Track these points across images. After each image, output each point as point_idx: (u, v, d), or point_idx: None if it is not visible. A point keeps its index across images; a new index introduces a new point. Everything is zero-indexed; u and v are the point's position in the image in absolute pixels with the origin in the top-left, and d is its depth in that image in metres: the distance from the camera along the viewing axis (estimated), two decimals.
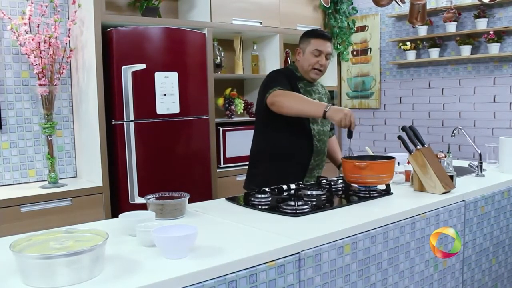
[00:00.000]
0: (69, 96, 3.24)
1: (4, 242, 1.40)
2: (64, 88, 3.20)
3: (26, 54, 2.80)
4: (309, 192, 2.03)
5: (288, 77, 2.50)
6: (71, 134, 3.26)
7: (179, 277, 1.21)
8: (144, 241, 1.44)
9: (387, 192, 2.14)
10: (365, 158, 2.23)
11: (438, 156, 2.32)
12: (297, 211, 1.81)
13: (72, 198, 2.84)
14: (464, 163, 2.85)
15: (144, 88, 3.09)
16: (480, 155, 2.67)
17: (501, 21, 3.70)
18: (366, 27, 4.59)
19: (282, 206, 1.87)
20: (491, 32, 3.66)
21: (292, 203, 1.84)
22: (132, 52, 3.05)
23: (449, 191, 2.14)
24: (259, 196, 2.01)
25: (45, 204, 2.74)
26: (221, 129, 3.67)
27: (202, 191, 3.31)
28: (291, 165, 2.49)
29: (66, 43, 3.06)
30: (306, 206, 1.85)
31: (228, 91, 3.90)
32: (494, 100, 3.81)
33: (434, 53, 4.03)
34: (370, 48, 4.58)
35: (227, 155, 3.71)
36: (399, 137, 2.25)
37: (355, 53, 4.71)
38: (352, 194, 2.14)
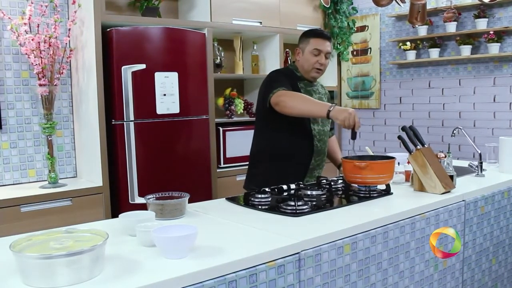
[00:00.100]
0: (69, 96, 3.24)
1: (4, 242, 1.40)
2: (64, 88, 3.20)
3: (26, 54, 2.80)
4: (309, 192, 2.03)
5: (289, 77, 2.50)
6: (71, 134, 3.26)
7: (179, 277, 1.21)
8: (144, 241, 1.44)
9: (387, 192, 2.14)
10: (365, 158, 2.23)
11: (438, 156, 2.32)
12: (297, 211, 1.81)
13: (72, 198, 2.84)
14: (464, 163, 2.85)
15: (144, 88, 3.09)
16: (480, 155, 2.67)
17: (501, 21, 3.70)
18: (366, 27, 4.59)
19: (282, 206, 1.87)
20: (491, 32, 3.66)
21: (292, 203, 1.84)
22: (132, 52, 3.05)
23: (449, 191, 2.14)
24: (259, 196, 2.01)
25: (45, 204, 2.74)
26: (221, 129, 3.67)
27: (202, 191, 3.31)
28: (291, 165, 2.49)
29: (66, 43, 3.06)
30: (306, 206, 1.85)
31: (228, 91, 3.90)
32: (494, 100, 3.81)
33: (434, 53, 4.03)
34: (370, 48, 4.58)
35: (227, 155, 3.71)
36: (399, 137, 2.25)
37: (355, 53, 4.71)
38: (352, 194, 2.14)
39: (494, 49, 3.68)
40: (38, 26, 2.86)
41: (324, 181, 2.23)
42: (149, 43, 3.12)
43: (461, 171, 2.61)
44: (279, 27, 4.02)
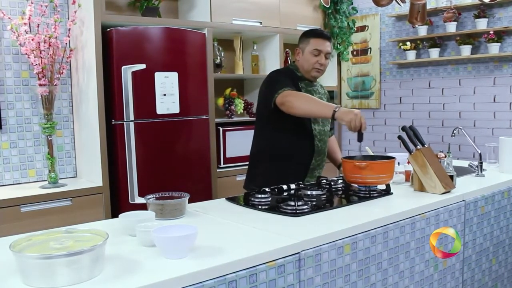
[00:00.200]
0: (69, 96, 3.24)
1: (4, 242, 1.40)
2: (64, 88, 3.20)
3: (26, 54, 2.80)
4: (309, 192, 2.03)
5: (290, 77, 2.50)
6: (71, 134, 3.26)
7: (179, 277, 1.21)
8: (144, 241, 1.44)
9: (387, 192, 2.14)
10: (365, 158, 2.23)
11: (438, 156, 2.32)
12: (297, 211, 1.81)
13: (72, 198, 2.84)
14: (464, 163, 2.85)
15: (144, 88, 3.09)
16: (480, 155, 2.67)
17: (501, 21, 3.70)
18: (366, 27, 4.59)
19: (282, 206, 1.87)
20: (491, 32, 3.66)
21: (292, 203, 1.84)
22: (132, 52, 3.05)
23: (449, 191, 2.14)
24: (259, 196, 2.01)
25: (45, 204, 2.74)
26: (221, 129, 3.67)
27: (202, 191, 3.31)
28: (291, 165, 2.49)
29: (66, 43, 3.06)
30: (306, 206, 1.85)
31: (228, 91, 3.90)
32: (494, 100, 3.81)
33: (434, 53, 4.03)
34: (370, 48, 4.58)
35: (227, 155, 3.71)
36: (399, 137, 2.25)
37: (355, 53, 4.71)
38: (352, 194, 2.14)
39: (494, 49, 3.68)
40: (38, 26, 2.86)
41: (324, 181, 2.23)
42: (149, 43, 3.12)
43: (461, 171, 2.61)
44: (279, 27, 4.02)
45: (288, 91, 2.33)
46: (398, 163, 2.41)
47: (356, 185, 2.17)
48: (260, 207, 1.93)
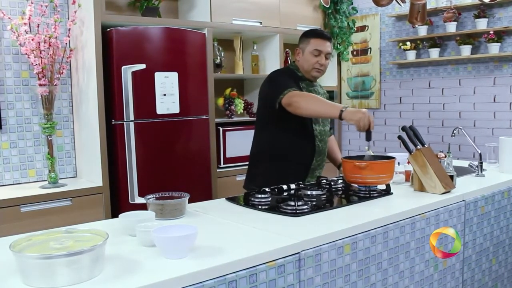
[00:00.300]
0: (69, 96, 3.24)
1: (4, 242, 1.40)
2: (64, 88, 3.20)
3: (26, 54, 2.80)
4: (309, 192, 2.03)
5: (292, 77, 2.50)
6: (71, 134, 3.26)
7: (179, 277, 1.21)
8: (144, 241, 1.44)
9: (387, 192, 2.14)
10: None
11: (438, 156, 2.32)
12: (297, 211, 1.81)
13: (72, 198, 2.84)
14: (464, 163, 2.85)
15: (144, 88, 3.09)
16: (480, 155, 2.67)
17: (501, 21, 3.70)
18: (366, 27, 4.59)
19: (282, 206, 1.87)
20: (491, 32, 3.66)
21: (292, 203, 1.84)
22: (132, 52, 3.05)
23: (449, 191, 2.14)
24: (259, 196, 2.01)
25: (45, 204, 2.74)
26: (221, 129, 3.67)
27: (202, 191, 3.31)
28: (291, 165, 2.49)
29: (66, 43, 3.06)
30: (306, 206, 1.85)
31: (228, 91, 3.90)
32: (494, 100, 3.81)
33: (434, 53, 4.03)
34: (370, 48, 4.58)
35: (227, 155, 3.71)
36: (399, 137, 2.25)
37: (355, 53, 4.71)
38: (352, 194, 2.14)
39: (494, 49, 3.68)
40: (38, 26, 2.86)
41: (324, 181, 2.23)
42: (149, 43, 3.12)
43: (461, 171, 2.61)
44: (279, 27, 4.02)
45: (294, 92, 2.32)
46: (398, 163, 2.41)
47: (356, 185, 2.17)
48: (260, 207, 1.93)
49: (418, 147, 2.17)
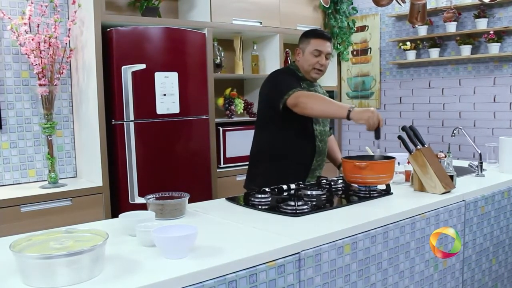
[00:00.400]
0: (69, 96, 3.24)
1: (4, 242, 1.40)
2: (64, 88, 3.20)
3: (26, 54, 2.80)
4: (309, 192, 2.03)
5: (294, 77, 2.49)
6: (71, 134, 3.26)
7: (179, 277, 1.21)
8: (144, 241, 1.44)
9: (387, 192, 2.14)
10: (365, 158, 2.23)
11: (438, 156, 2.32)
12: (297, 211, 1.81)
13: (72, 198, 2.84)
14: (464, 163, 2.85)
15: (144, 88, 3.09)
16: (480, 155, 2.67)
17: (501, 21, 3.70)
18: (366, 27, 4.59)
19: (282, 206, 1.87)
20: (491, 32, 3.66)
21: (292, 203, 1.84)
22: (132, 52, 3.05)
23: (449, 191, 2.14)
24: (259, 196, 2.01)
25: (45, 204, 2.74)
26: (221, 129, 3.67)
27: (202, 191, 3.31)
28: (291, 165, 2.49)
29: (66, 43, 3.06)
30: (306, 206, 1.85)
31: (228, 91, 3.90)
32: (494, 100, 3.81)
33: (434, 53, 4.03)
34: (370, 48, 4.58)
35: (227, 155, 3.71)
36: (399, 137, 2.25)
37: (355, 53, 4.71)
38: (352, 194, 2.14)
39: (494, 49, 3.68)
40: (38, 26, 2.86)
41: (324, 181, 2.23)
42: (149, 43, 3.12)
43: (461, 171, 2.61)
44: (279, 27, 4.02)
45: (300, 92, 2.32)
46: (398, 163, 2.41)
47: (356, 185, 2.17)
48: (260, 207, 1.93)
49: (418, 147, 2.17)
